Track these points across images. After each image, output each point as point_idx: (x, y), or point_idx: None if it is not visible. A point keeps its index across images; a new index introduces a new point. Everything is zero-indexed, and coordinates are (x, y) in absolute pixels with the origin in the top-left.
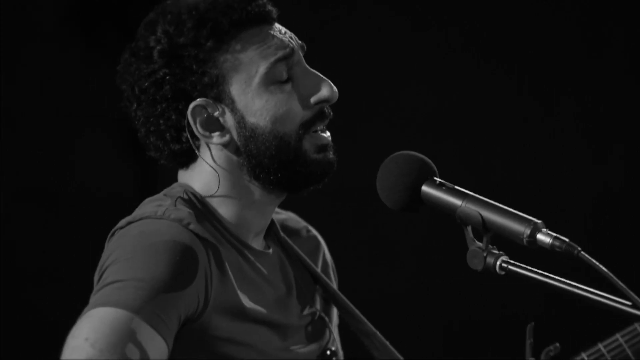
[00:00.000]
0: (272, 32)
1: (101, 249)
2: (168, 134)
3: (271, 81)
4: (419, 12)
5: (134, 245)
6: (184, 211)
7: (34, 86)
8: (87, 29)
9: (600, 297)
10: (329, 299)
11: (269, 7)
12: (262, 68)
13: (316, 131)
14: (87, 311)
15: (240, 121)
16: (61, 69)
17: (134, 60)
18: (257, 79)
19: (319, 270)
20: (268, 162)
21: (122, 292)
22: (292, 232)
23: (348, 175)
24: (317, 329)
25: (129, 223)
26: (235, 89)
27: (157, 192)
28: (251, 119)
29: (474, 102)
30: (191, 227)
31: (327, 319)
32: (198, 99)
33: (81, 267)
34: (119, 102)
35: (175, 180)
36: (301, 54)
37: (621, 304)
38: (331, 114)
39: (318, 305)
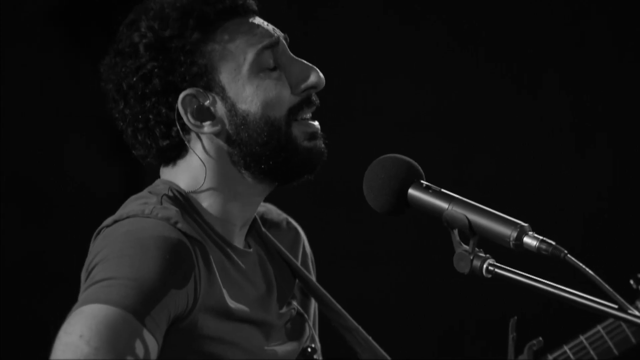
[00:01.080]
0: (256, 22)
1: (87, 246)
2: (157, 130)
3: (260, 68)
4: (408, 13)
5: (122, 243)
6: (172, 209)
7: (20, 86)
8: (72, 29)
9: (587, 300)
10: (309, 293)
11: (252, 0)
12: (250, 55)
13: (305, 119)
14: (77, 307)
15: (232, 109)
16: (46, 69)
17: (119, 59)
18: (246, 67)
19: (299, 263)
20: (260, 149)
21: (113, 289)
22: (272, 225)
23: (337, 178)
24: (296, 327)
25: (115, 222)
26: (225, 77)
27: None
28: (242, 106)
29: (462, 103)
30: (179, 225)
31: (306, 315)
32: (188, 89)
33: (70, 265)
34: (104, 101)
35: (159, 177)
36: (285, 44)
37: (608, 307)
38: (318, 101)
39: (297, 302)
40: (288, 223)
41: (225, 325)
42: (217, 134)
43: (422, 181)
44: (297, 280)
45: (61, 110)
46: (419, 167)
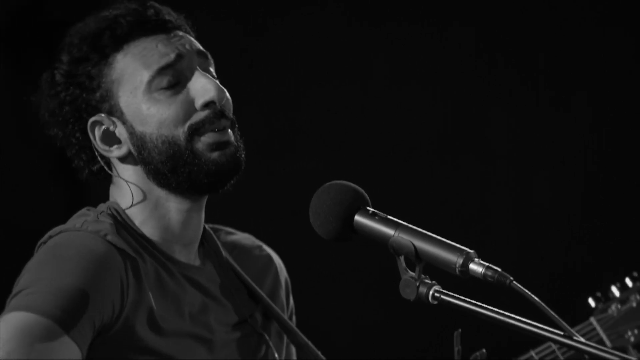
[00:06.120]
0: (159, 41)
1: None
2: (84, 155)
3: (155, 89)
4: (360, 36)
5: (47, 255)
6: (104, 223)
7: None
8: (14, 53)
9: (534, 327)
10: (270, 317)
11: (164, 17)
12: (145, 77)
13: (212, 131)
14: (1, 316)
15: (131, 131)
16: None
17: (46, 86)
18: (141, 88)
19: (266, 287)
20: (162, 166)
21: (34, 297)
22: (243, 250)
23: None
24: (250, 344)
25: (50, 237)
26: (123, 100)
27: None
28: (139, 128)
29: (408, 130)
30: (108, 237)
31: (266, 335)
32: (95, 115)
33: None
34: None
35: (105, 200)
36: (195, 58)
37: (554, 333)
38: (228, 114)
39: (256, 322)
40: (261, 249)
41: (157, 338)
42: (126, 156)
43: (368, 207)
44: (258, 305)
45: (4, 133)
46: (365, 194)
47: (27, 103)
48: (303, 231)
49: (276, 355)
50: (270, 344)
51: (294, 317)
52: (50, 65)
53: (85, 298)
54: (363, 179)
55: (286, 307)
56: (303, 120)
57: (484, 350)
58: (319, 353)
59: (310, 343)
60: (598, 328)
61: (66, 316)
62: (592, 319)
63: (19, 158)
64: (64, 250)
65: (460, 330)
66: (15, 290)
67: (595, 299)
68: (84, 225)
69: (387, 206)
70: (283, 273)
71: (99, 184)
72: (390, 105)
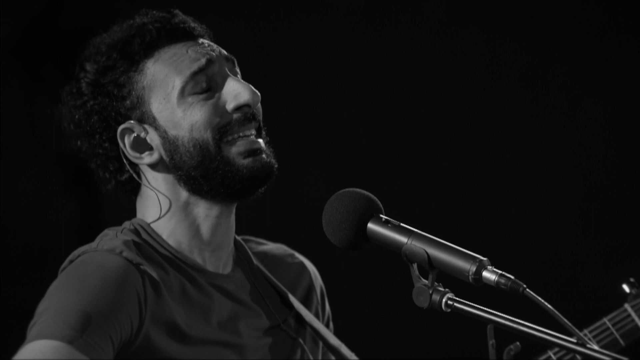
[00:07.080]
0: (188, 47)
1: (43, 281)
2: (111, 165)
3: (189, 93)
4: (364, 44)
5: (60, 279)
6: (118, 240)
7: None
8: (29, 64)
9: (547, 334)
10: (303, 322)
11: (190, 25)
12: (178, 82)
13: (241, 136)
14: (19, 350)
15: (164, 136)
16: (3, 104)
17: (70, 98)
18: (174, 94)
19: (297, 295)
20: (194, 172)
21: (45, 323)
22: (274, 259)
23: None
24: (283, 348)
25: (71, 261)
26: (155, 106)
27: (104, 224)
28: (172, 132)
29: (417, 136)
30: (124, 254)
31: (300, 339)
32: (125, 123)
33: (28, 301)
34: (60, 135)
35: (123, 212)
36: (225, 64)
37: (567, 341)
38: (257, 118)
39: (290, 327)
40: (293, 258)
41: (182, 348)
42: (157, 163)
43: (381, 215)
44: (290, 309)
45: (18, 145)
46: (378, 201)
47: (39, 115)
48: (303, 233)
49: (312, 358)
50: (305, 348)
51: (330, 324)
52: (73, 76)
53: (99, 314)
54: (371, 184)
55: (322, 313)
56: (306, 126)
57: (518, 343)
58: (353, 354)
59: (343, 346)
60: (633, 314)
61: (78, 334)
62: (627, 305)
63: (31, 169)
64: (76, 272)
65: (492, 324)
66: (33, 319)
67: (629, 285)
68: (100, 244)
69: (394, 213)
70: (318, 280)
71: (113, 198)
72: (400, 111)
